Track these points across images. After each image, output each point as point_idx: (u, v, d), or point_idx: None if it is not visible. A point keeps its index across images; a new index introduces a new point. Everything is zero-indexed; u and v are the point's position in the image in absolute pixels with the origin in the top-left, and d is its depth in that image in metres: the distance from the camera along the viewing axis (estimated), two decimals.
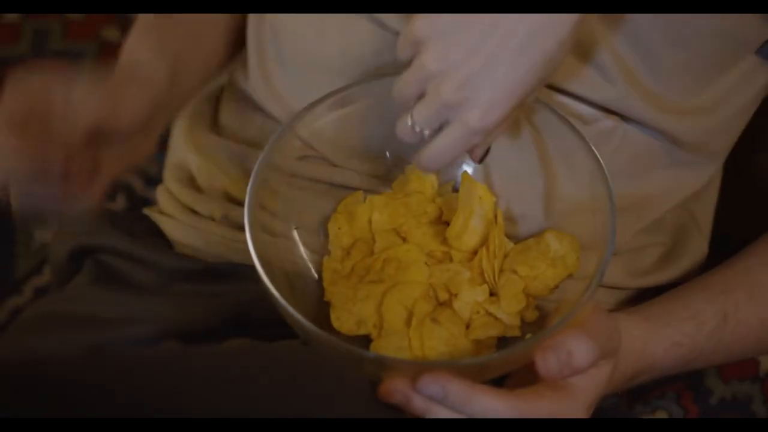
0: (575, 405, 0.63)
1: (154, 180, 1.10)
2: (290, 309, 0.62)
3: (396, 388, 0.61)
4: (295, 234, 0.72)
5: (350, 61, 0.75)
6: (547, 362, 0.61)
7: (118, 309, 0.76)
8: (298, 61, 0.78)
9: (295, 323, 0.63)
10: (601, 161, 0.68)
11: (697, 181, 0.80)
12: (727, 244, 0.84)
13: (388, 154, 0.74)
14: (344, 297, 0.70)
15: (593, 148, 0.68)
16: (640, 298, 0.80)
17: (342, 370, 0.63)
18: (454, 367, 0.62)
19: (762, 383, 0.93)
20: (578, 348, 0.61)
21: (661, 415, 0.92)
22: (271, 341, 0.69)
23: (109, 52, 1.18)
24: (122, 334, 0.74)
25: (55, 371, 0.56)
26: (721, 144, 0.79)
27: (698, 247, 0.82)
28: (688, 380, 0.93)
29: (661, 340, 0.71)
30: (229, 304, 0.74)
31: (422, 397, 0.61)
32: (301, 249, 0.72)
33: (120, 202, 1.08)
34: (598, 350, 0.62)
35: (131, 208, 1.07)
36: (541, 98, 0.71)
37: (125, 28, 1.18)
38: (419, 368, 0.61)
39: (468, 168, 0.74)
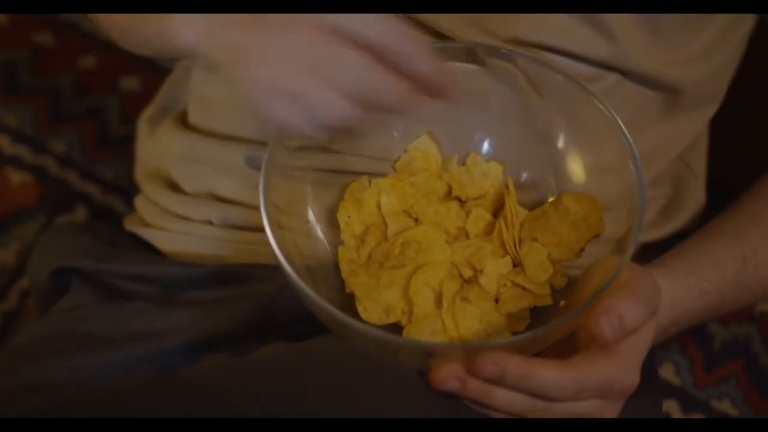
0: (627, 366, 0.62)
1: (111, 186, 1.06)
2: (327, 306, 0.60)
3: (449, 375, 0.59)
4: (311, 222, 0.69)
5: None
6: (601, 328, 0.60)
7: (131, 324, 0.72)
8: None
9: (331, 319, 0.60)
10: (615, 116, 0.66)
11: (694, 130, 0.79)
12: (722, 188, 0.84)
13: (396, 133, 0.71)
14: (367, 286, 0.67)
15: (604, 102, 0.67)
16: (644, 252, 0.79)
17: (385, 363, 0.61)
18: (509, 344, 0.60)
19: (758, 323, 0.94)
20: (628, 310, 0.60)
21: (668, 366, 0.92)
22: (301, 340, 0.66)
23: (44, 59, 1.13)
24: (142, 351, 0.70)
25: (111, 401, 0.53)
26: (718, 87, 0.78)
27: (697, 196, 0.82)
28: (689, 329, 0.93)
29: (689, 290, 0.71)
30: (246, 307, 0.71)
31: (478, 380, 0.59)
32: (320, 237, 0.69)
33: (80, 212, 1.04)
34: (645, 310, 0.61)
35: (93, 217, 1.03)
36: (541, 60, 0.69)
37: (59, 31, 1.14)
38: (474, 350, 0.59)
39: (478, 138, 0.72)
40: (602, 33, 0.70)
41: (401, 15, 0.71)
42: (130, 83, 1.12)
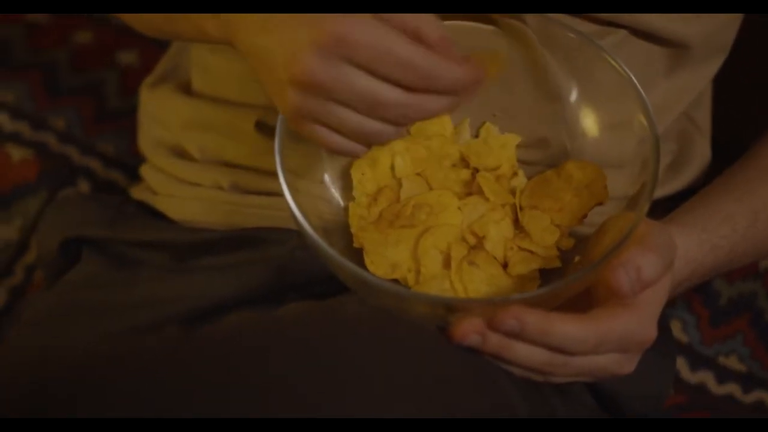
0: (645, 319, 0.63)
1: (112, 160, 1.06)
2: (349, 264, 0.60)
3: (470, 329, 0.59)
4: (326, 183, 0.70)
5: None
6: (619, 280, 0.60)
7: (145, 291, 0.73)
8: None
9: (352, 277, 0.61)
10: (628, 71, 0.66)
11: (699, 85, 0.80)
12: (725, 144, 0.84)
13: None
14: (375, 241, 0.68)
15: (617, 59, 0.67)
16: (653, 209, 0.80)
17: (406, 319, 0.61)
18: (528, 299, 0.60)
19: (763, 279, 0.94)
20: (646, 263, 0.61)
21: (675, 324, 0.92)
22: (318, 300, 0.66)
23: (38, 34, 1.12)
24: (158, 315, 0.70)
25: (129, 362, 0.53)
26: (725, 40, 0.79)
27: (702, 151, 0.83)
28: (695, 287, 0.93)
29: (701, 245, 0.71)
30: (262, 270, 0.72)
31: (498, 335, 0.60)
32: (334, 198, 0.69)
33: (83, 186, 1.03)
34: (662, 263, 0.62)
35: (98, 190, 1.03)
36: (551, 17, 0.70)
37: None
38: (494, 305, 0.60)
39: (487, 96, 0.72)
40: None
41: None
42: (128, 57, 1.11)
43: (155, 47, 1.08)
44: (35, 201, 1.02)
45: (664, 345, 0.75)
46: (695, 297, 0.93)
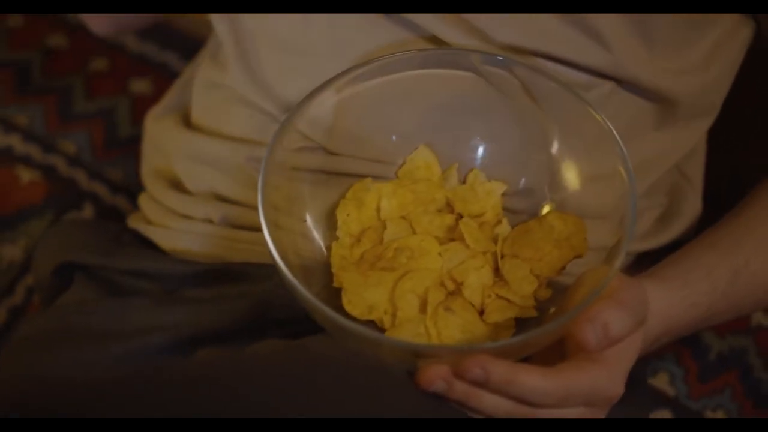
0: (613, 376, 0.63)
1: (119, 187, 1.08)
2: (320, 305, 0.61)
3: (436, 376, 0.60)
4: (308, 223, 0.71)
5: (338, 44, 0.74)
6: (585, 335, 0.61)
7: (132, 319, 0.74)
8: (282, 49, 0.76)
9: (324, 318, 0.62)
10: (610, 126, 0.67)
11: (690, 140, 0.80)
12: (717, 197, 0.85)
13: (393, 137, 0.72)
14: (355, 282, 0.69)
15: (599, 112, 0.68)
16: (640, 261, 0.80)
17: (375, 363, 0.62)
18: (495, 348, 0.61)
19: (754, 335, 0.94)
20: (614, 319, 0.61)
21: (663, 377, 0.92)
22: (295, 339, 0.67)
23: (55, 61, 1.15)
24: (141, 344, 0.72)
25: (88, 393, 0.54)
26: (713, 100, 0.79)
27: (693, 206, 0.83)
28: (685, 339, 0.93)
29: (680, 301, 0.72)
30: (243, 305, 0.73)
31: (464, 383, 0.60)
32: (315, 239, 0.70)
33: (88, 211, 1.05)
34: (632, 319, 0.62)
35: (101, 215, 1.04)
36: (537, 67, 0.71)
37: (72, 33, 1.16)
38: (461, 353, 0.60)
39: (473, 145, 0.73)
40: (597, 41, 0.71)
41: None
42: (141, 86, 1.13)
43: (167, 77, 1.10)
44: (40, 223, 1.04)
45: (638, 399, 0.75)
46: (684, 350, 0.93)
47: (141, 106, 1.11)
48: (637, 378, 0.76)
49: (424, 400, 0.61)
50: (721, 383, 0.93)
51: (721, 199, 0.82)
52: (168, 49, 1.15)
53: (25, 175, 1.07)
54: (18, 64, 1.14)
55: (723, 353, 0.94)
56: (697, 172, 0.84)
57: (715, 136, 0.86)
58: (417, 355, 0.61)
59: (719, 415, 0.91)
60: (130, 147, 1.08)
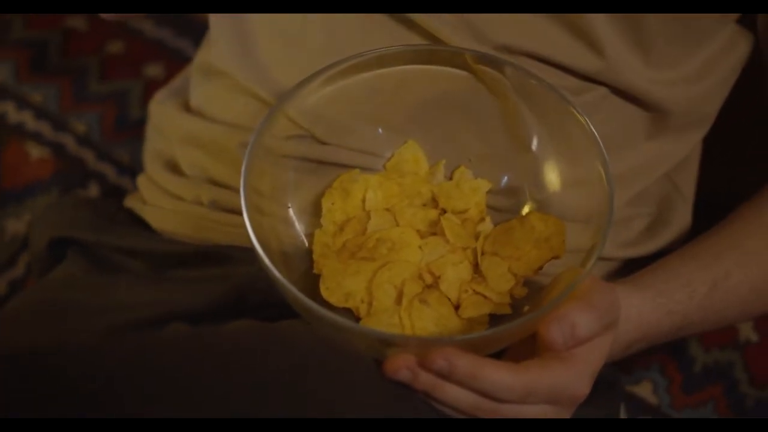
0: (580, 375, 0.64)
1: (125, 168, 1.09)
2: (293, 289, 0.62)
3: (402, 365, 0.61)
4: (291, 212, 0.72)
5: (335, 37, 0.75)
6: (551, 334, 0.61)
7: (116, 296, 0.75)
8: (280, 39, 0.77)
9: (297, 302, 0.63)
10: (594, 131, 0.68)
11: (681, 151, 0.81)
12: (709, 211, 0.85)
13: (380, 130, 0.74)
14: (334, 270, 0.70)
15: (585, 117, 0.68)
16: (628, 268, 0.81)
17: (346, 349, 0.63)
18: (461, 342, 0.62)
19: (742, 350, 0.95)
20: (581, 320, 0.62)
21: (646, 385, 0.93)
22: (272, 322, 0.68)
23: (73, 42, 1.16)
24: (124, 320, 0.73)
25: (62, 359, 0.55)
26: (707, 111, 0.80)
27: (683, 216, 0.83)
28: (671, 350, 0.94)
29: (655, 309, 0.72)
30: (224, 287, 0.74)
31: (428, 373, 0.61)
32: (296, 227, 0.72)
33: (93, 190, 1.07)
34: (600, 321, 0.63)
35: (105, 195, 1.06)
36: (528, 69, 0.71)
37: (90, 15, 1.18)
38: (427, 344, 0.61)
39: (460, 142, 0.74)
40: (591, 47, 0.72)
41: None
42: (154, 70, 1.15)
43: (181, 63, 1.11)
44: (46, 199, 1.06)
45: (609, 402, 0.76)
46: (670, 361, 0.94)
47: (153, 90, 1.12)
48: (609, 381, 0.76)
49: (389, 387, 0.62)
50: (705, 396, 0.93)
51: (715, 214, 0.83)
52: (183, 36, 1.16)
53: (35, 152, 1.09)
54: (36, 44, 1.16)
55: (708, 366, 0.94)
56: (688, 183, 0.85)
57: (710, 150, 0.87)
58: (385, 344, 0.62)
59: None
60: (139, 130, 1.09)
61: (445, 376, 0.61)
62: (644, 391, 0.93)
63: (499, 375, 0.61)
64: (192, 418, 0.54)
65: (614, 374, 0.79)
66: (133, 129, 1.11)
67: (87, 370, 0.56)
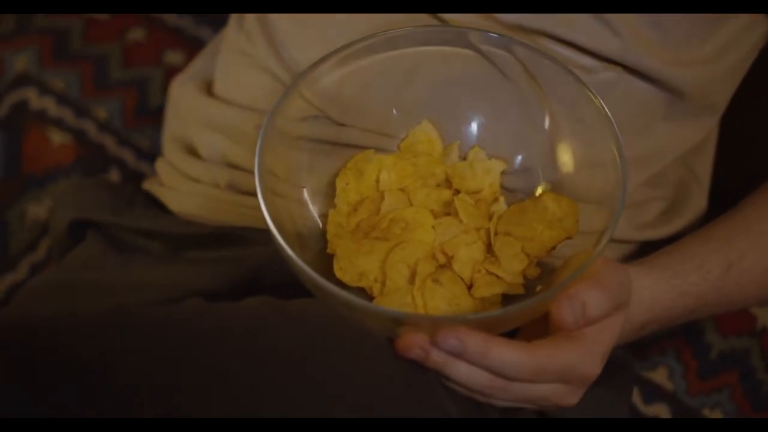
0: (591, 355, 0.64)
1: (145, 154, 1.10)
2: (307, 268, 0.63)
3: (414, 343, 0.61)
4: (305, 193, 0.72)
5: (352, 19, 0.75)
6: (562, 313, 0.62)
7: (133, 276, 0.76)
8: (301, 20, 0.78)
9: (311, 282, 0.63)
10: (608, 112, 0.68)
11: (697, 135, 0.81)
12: (724, 198, 0.85)
13: (395, 111, 0.74)
14: (348, 249, 0.70)
15: (598, 98, 0.68)
16: (644, 251, 0.81)
17: (359, 327, 0.63)
18: (472, 321, 0.62)
19: (759, 337, 0.94)
20: (592, 299, 0.62)
21: (662, 371, 0.93)
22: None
23: (95, 29, 1.17)
24: (140, 299, 0.74)
25: (76, 330, 0.56)
26: (721, 95, 0.80)
27: (698, 202, 0.83)
28: (686, 336, 0.94)
29: (669, 290, 0.72)
30: (239, 268, 0.75)
31: (440, 351, 0.62)
32: (311, 208, 0.72)
33: (114, 176, 1.08)
34: (611, 301, 0.63)
35: (125, 180, 1.07)
36: (540, 49, 0.71)
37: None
38: (439, 323, 0.62)
39: (473, 123, 0.74)
40: (607, 27, 0.72)
41: None
42: (174, 57, 1.16)
43: (201, 50, 1.12)
44: (67, 184, 1.07)
45: (619, 383, 0.76)
46: (685, 347, 0.94)
47: (173, 78, 1.14)
48: (621, 363, 0.77)
49: (401, 363, 0.62)
50: (720, 382, 0.93)
51: (729, 200, 0.83)
52: (202, 24, 1.17)
53: (57, 138, 1.10)
54: (58, 31, 1.17)
55: (725, 353, 0.94)
56: (704, 169, 0.85)
57: (726, 137, 0.87)
58: (398, 322, 0.63)
59: (716, 413, 0.92)
60: (159, 117, 1.10)
61: (457, 354, 0.61)
62: (660, 377, 0.93)
63: (510, 354, 0.61)
64: (206, 390, 0.55)
65: (626, 357, 0.79)
66: (154, 115, 1.12)
67: (102, 342, 0.57)
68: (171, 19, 1.18)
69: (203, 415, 0.55)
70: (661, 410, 0.92)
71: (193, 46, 1.16)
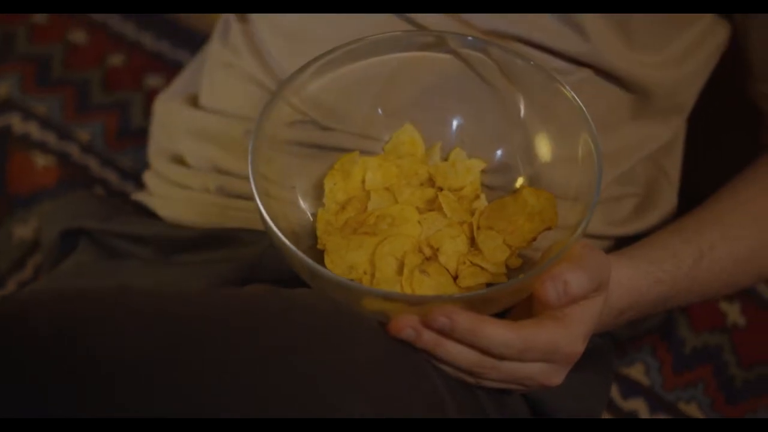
0: (573, 334, 0.67)
1: (128, 174, 1.13)
2: (302, 255, 0.65)
3: (406, 324, 0.64)
4: (295, 194, 0.75)
5: (333, 29, 0.79)
6: (546, 291, 0.65)
7: (124, 281, 0.78)
8: (285, 34, 0.81)
9: (307, 269, 0.66)
10: (581, 103, 0.71)
11: (664, 134, 0.84)
12: (694, 195, 0.89)
13: (380, 111, 0.77)
14: (337, 245, 0.73)
15: (572, 92, 0.72)
16: (618, 247, 0.84)
17: (354, 312, 0.66)
18: (459, 299, 0.65)
19: (730, 333, 0.98)
20: (573, 278, 0.65)
21: (639, 367, 0.96)
22: None
23: (76, 55, 1.20)
24: None
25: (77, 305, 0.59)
26: (687, 95, 0.83)
27: (669, 199, 0.87)
28: (661, 332, 0.97)
29: (645, 276, 0.76)
30: (231, 267, 0.77)
31: (431, 331, 0.64)
32: (301, 207, 0.75)
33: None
34: (591, 281, 0.66)
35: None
36: (514, 50, 0.75)
37: (92, 30, 1.21)
38: (427, 302, 0.65)
39: (454, 124, 0.77)
40: (575, 30, 0.76)
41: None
42: (154, 81, 1.19)
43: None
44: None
45: (600, 369, 0.79)
46: (660, 343, 0.97)
47: (154, 100, 1.17)
48: (602, 351, 0.80)
49: (393, 345, 0.65)
50: (694, 377, 0.96)
51: (699, 197, 0.86)
52: (181, 47, 1.20)
53: (41, 160, 1.12)
54: (40, 58, 1.20)
55: (698, 348, 0.97)
56: (674, 168, 0.88)
57: (695, 137, 0.91)
58: (389, 302, 0.66)
59: (692, 407, 0.95)
60: (141, 138, 1.13)
61: (447, 333, 0.64)
62: (636, 372, 0.96)
63: (497, 331, 0.64)
64: (210, 363, 0.57)
65: (606, 345, 0.82)
66: (136, 137, 1.15)
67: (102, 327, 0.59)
68: (149, 43, 1.21)
69: (204, 383, 0.57)
70: (638, 404, 0.95)
71: (172, 70, 1.19)
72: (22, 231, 1.08)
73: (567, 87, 0.72)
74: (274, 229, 0.67)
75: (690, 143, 0.90)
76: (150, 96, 1.17)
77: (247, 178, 0.79)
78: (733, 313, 0.99)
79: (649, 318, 0.90)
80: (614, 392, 0.94)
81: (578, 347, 0.67)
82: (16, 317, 0.59)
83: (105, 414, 0.55)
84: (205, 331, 0.59)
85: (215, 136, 0.83)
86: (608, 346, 0.83)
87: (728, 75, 0.87)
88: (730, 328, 0.98)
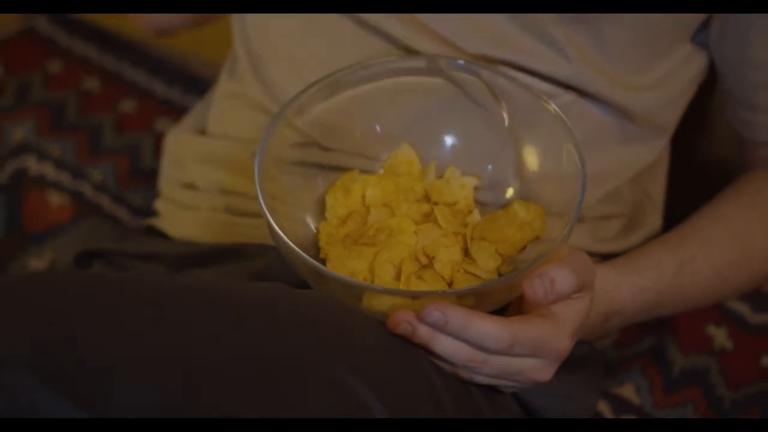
0: (560, 330, 0.71)
1: (139, 211, 1.17)
2: (309, 258, 0.70)
3: (403, 318, 0.68)
4: (299, 210, 0.80)
5: (332, 54, 0.84)
6: (533, 288, 0.69)
7: None
8: (288, 58, 0.86)
9: (312, 270, 0.70)
10: (570, 125, 0.76)
11: (647, 156, 0.89)
12: (677, 217, 0.93)
13: (378, 131, 0.82)
14: (339, 254, 0.77)
15: (562, 114, 0.77)
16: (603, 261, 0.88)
17: (356, 309, 0.70)
18: (452, 294, 0.69)
19: (717, 357, 1.01)
20: (560, 276, 0.69)
21: (629, 387, 0.99)
22: None
23: (89, 102, 1.26)
24: None
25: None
26: (668, 118, 0.88)
27: (653, 220, 0.92)
28: (651, 354, 1.01)
29: (629, 285, 0.80)
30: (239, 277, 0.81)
31: (426, 326, 0.68)
32: (306, 221, 0.79)
33: None
34: (577, 279, 0.70)
35: None
36: (502, 71, 0.80)
37: (105, 78, 1.27)
38: (423, 297, 0.69)
39: (448, 144, 0.82)
40: (559, 54, 0.81)
41: None
42: (164, 125, 1.24)
43: None
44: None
45: (589, 375, 0.83)
46: (650, 364, 1.00)
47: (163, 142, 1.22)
48: (590, 358, 0.84)
49: (391, 339, 0.69)
50: (684, 397, 0.99)
51: (682, 217, 0.91)
52: (190, 93, 1.26)
53: (55, 199, 1.17)
54: (55, 105, 1.26)
55: (686, 369, 1.01)
56: (658, 190, 0.93)
57: (677, 162, 0.96)
58: (390, 297, 0.70)
59: None
60: (152, 177, 1.18)
61: (440, 327, 0.68)
62: (628, 392, 0.99)
63: (488, 326, 0.68)
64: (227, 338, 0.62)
65: (598, 351, 0.86)
66: (146, 176, 1.20)
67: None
68: (161, 90, 1.26)
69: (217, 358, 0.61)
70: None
71: (181, 114, 1.24)
72: (37, 264, 1.12)
73: (551, 103, 0.77)
74: (281, 234, 0.71)
75: (674, 166, 0.94)
76: (159, 139, 1.23)
77: (253, 197, 0.85)
78: (721, 337, 1.03)
79: (639, 341, 0.94)
80: (606, 410, 0.98)
81: (566, 343, 0.71)
82: None
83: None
84: (221, 313, 0.63)
85: (222, 159, 0.88)
86: (599, 356, 0.87)
87: (709, 99, 0.92)
88: (718, 351, 1.02)
